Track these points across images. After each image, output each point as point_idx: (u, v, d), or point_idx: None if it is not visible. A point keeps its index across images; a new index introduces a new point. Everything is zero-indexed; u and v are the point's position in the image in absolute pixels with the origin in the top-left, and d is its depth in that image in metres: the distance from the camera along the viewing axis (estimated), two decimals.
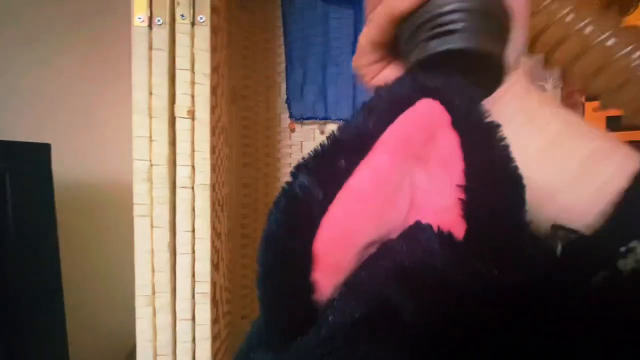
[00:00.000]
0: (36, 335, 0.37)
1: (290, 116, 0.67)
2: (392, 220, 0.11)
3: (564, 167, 0.15)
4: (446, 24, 0.12)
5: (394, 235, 0.11)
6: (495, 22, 0.12)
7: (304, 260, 0.10)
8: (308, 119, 0.67)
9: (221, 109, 0.45)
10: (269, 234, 0.11)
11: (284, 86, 0.67)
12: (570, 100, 0.85)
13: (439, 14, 0.12)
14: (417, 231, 0.11)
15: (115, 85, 0.53)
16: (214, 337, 0.39)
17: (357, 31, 0.68)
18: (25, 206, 0.38)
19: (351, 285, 0.11)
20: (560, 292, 0.11)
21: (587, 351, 0.10)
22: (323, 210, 0.10)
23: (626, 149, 0.14)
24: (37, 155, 0.40)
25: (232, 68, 0.63)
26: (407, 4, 0.12)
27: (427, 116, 0.11)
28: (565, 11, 0.17)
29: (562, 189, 0.14)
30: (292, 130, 0.68)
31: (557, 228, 0.14)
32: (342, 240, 0.10)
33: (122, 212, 0.31)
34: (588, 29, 0.16)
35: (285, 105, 0.67)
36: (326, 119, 0.67)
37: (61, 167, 0.42)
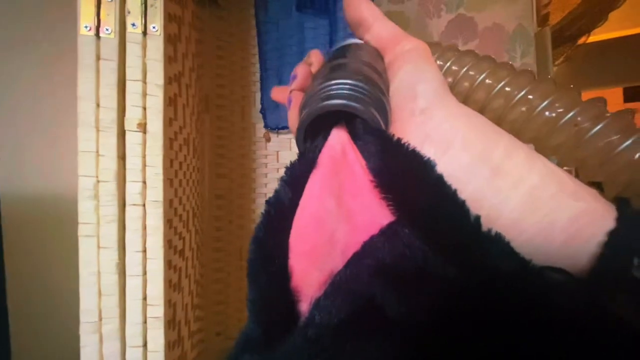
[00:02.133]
0: None
1: (266, 126, 0.66)
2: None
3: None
4: (333, 89, 0.14)
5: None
6: (373, 92, 0.14)
7: (278, 250, 0.12)
8: (283, 128, 0.66)
9: (185, 120, 0.43)
10: (252, 237, 0.12)
11: (259, 95, 0.66)
12: None
13: (328, 85, 0.14)
14: (397, 226, 0.12)
15: (64, 98, 0.50)
16: None
17: (332, 41, 0.68)
18: None
19: (336, 284, 0.11)
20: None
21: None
22: (293, 208, 0.12)
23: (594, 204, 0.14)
24: None
25: (205, 77, 0.61)
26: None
27: (336, 140, 0.13)
28: (482, 75, 0.17)
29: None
30: (268, 140, 0.67)
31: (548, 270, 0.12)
32: (310, 227, 0.12)
33: (72, 230, 0.29)
34: (506, 89, 0.16)
35: (261, 115, 0.66)
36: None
37: (6, 181, 0.39)
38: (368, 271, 0.11)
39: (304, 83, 0.18)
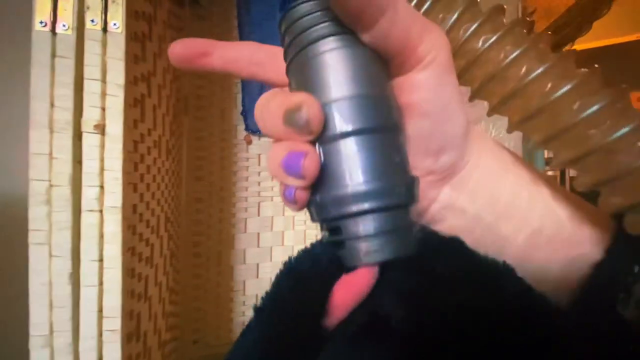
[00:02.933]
0: None
1: (247, 128, 0.65)
2: None
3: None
4: (366, 227, 0.12)
5: None
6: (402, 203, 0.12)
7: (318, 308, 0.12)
8: None
9: (155, 121, 0.42)
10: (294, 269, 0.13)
11: (240, 97, 0.65)
12: None
13: (355, 212, 0.12)
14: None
15: (20, 96, 0.48)
16: None
17: None
18: None
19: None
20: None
21: None
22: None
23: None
24: None
25: (184, 78, 0.60)
26: None
27: None
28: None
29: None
30: (249, 143, 0.66)
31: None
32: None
33: (24, 236, 0.28)
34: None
35: (242, 117, 0.65)
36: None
37: None
38: (380, 287, 0.12)
39: (314, 178, 0.15)
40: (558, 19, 0.74)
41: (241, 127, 0.65)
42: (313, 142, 0.13)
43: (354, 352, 0.11)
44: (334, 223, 0.12)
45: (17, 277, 0.28)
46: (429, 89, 0.12)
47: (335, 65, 0.12)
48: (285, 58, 0.14)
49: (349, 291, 0.12)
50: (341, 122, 0.12)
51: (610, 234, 0.14)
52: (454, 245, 0.13)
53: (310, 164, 0.11)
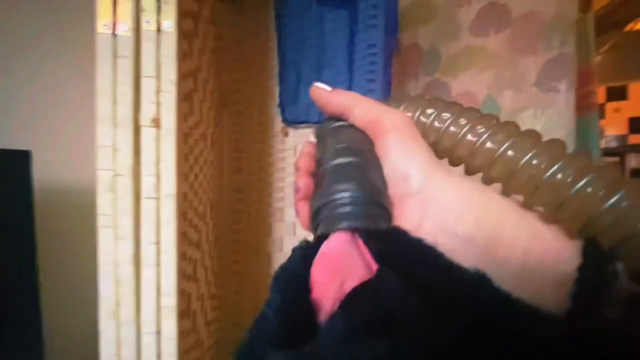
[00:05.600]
0: (13, 342, 0.37)
1: (284, 120, 0.66)
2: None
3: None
4: (337, 207, 0.16)
5: None
6: (373, 199, 0.16)
7: (305, 269, 0.15)
8: (301, 122, 0.66)
9: (202, 115, 0.44)
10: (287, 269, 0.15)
11: (277, 90, 0.66)
12: (587, 101, 0.80)
13: (331, 200, 0.16)
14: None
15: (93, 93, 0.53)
16: (188, 350, 0.38)
17: (352, 33, 0.67)
18: (5, 212, 0.38)
19: (347, 302, 0.13)
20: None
21: None
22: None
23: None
24: (18, 162, 0.40)
25: (223, 72, 0.62)
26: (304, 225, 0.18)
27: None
28: (463, 131, 0.18)
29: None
30: (285, 135, 0.67)
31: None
32: (332, 251, 0.15)
33: (94, 221, 0.31)
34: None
35: (279, 109, 0.66)
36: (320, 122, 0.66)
37: (41, 174, 0.42)
38: (378, 294, 0.13)
39: (308, 192, 0.19)
40: None
41: (278, 119, 0.66)
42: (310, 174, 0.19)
43: (356, 346, 0.12)
44: (316, 215, 0.17)
45: (88, 258, 0.32)
46: (391, 149, 0.18)
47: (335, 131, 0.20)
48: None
49: (321, 259, 0.15)
50: (327, 159, 0.18)
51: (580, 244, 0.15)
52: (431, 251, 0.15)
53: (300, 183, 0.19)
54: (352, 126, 0.20)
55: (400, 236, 0.15)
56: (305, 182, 0.19)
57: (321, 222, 0.16)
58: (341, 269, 0.14)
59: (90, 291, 0.30)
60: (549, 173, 0.15)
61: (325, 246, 0.15)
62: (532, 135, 0.16)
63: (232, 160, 0.65)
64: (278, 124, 0.67)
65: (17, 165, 0.40)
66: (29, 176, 0.40)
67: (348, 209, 0.16)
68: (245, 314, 0.66)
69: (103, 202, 0.30)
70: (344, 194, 0.16)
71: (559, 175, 0.15)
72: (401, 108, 0.20)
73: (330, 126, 0.21)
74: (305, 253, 0.15)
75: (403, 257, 0.14)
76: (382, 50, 0.68)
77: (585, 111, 0.78)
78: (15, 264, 0.39)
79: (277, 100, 0.66)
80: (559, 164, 0.15)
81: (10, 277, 0.38)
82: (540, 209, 0.16)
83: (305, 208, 0.18)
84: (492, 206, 0.16)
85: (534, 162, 0.16)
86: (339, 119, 0.20)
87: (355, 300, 0.13)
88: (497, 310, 0.13)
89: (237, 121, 0.66)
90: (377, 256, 0.14)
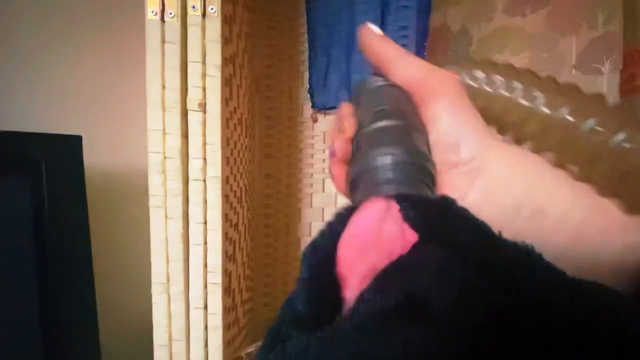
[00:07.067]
0: (69, 317, 0.41)
1: (313, 106, 0.66)
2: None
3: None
4: (378, 172, 0.15)
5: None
6: (418, 164, 0.15)
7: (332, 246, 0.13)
8: (331, 108, 0.66)
9: (238, 100, 0.45)
10: (317, 244, 0.14)
11: (307, 75, 0.66)
12: (631, 84, 0.75)
13: (372, 165, 0.15)
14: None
15: (144, 79, 0.55)
16: (229, 325, 0.40)
17: (384, 16, 0.65)
18: (59, 195, 0.41)
19: (379, 280, 0.12)
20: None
21: None
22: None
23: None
24: (70, 147, 0.43)
25: (256, 58, 0.63)
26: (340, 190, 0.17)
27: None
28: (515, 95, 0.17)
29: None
30: (315, 121, 0.67)
31: None
32: (361, 225, 0.14)
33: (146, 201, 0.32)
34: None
35: (308, 95, 0.66)
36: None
37: (91, 157, 0.44)
38: (413, 271, 0.12)
39: (344, 156, 0.18)
40: None
41: (308, 105, 0.66)
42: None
43: (385, 331, 0.11)
44: (355, 182, 0.16)
45: (142, 236, 0.34)
46: (440, 114, 0.16)
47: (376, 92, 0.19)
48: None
49: (349, 232, 0.13)
50: (367, 122, 0.17)
51: None
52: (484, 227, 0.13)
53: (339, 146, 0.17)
54: (393, 85, 0.18)
55: (447, 205, 0.14)
56: (341, 145, 0.17)
57: (359, 188, 0.16)
58: (371, 242, 0.13)
59: (145, 267, 0.32)
60: (614, 140, 0.14)
61: (356, 217, 0.14)
62: (597, 99, 0.16)
63: (263, 146, 0.66)
64: (307, 110, 0.67)
65: (69, 150, 0.42)
66: (80, 160, 0.43)
67: (389, 174, 0.15)
68: (275, 295, 0.68)
69: (154, 183, 0.32)
70: (386, 157, 0.15)
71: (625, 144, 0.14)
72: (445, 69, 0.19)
73: (371, 86, 0.19)
74: (339, 222, 0.14)
75: (446, 229, 0.13)
76: (414, 32, 0.66)
77: (630, 94, 0.74)
78: (70, 245, 0.41)
79: (307, 86, 0.66)
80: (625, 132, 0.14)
81: (67, 259, 0.41)
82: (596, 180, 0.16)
83: (341, 170, 0.17)
84: (546, 177, 0.15)
85: (598, 129, 0.15)
86: (380, 76, 0.19)
87: (386, 278, 0.12)
88: (554, 293, 0.12)
89: (269, 107, 0.66)
90: (417, 227, 0.13)
